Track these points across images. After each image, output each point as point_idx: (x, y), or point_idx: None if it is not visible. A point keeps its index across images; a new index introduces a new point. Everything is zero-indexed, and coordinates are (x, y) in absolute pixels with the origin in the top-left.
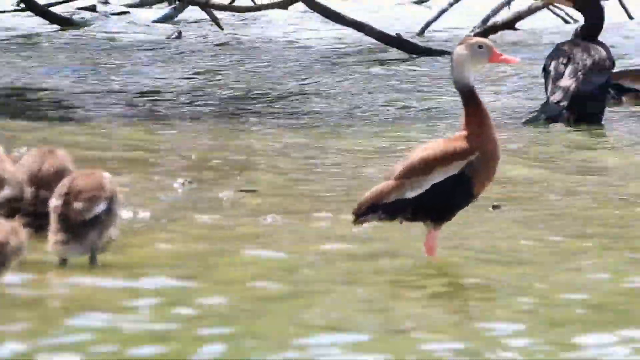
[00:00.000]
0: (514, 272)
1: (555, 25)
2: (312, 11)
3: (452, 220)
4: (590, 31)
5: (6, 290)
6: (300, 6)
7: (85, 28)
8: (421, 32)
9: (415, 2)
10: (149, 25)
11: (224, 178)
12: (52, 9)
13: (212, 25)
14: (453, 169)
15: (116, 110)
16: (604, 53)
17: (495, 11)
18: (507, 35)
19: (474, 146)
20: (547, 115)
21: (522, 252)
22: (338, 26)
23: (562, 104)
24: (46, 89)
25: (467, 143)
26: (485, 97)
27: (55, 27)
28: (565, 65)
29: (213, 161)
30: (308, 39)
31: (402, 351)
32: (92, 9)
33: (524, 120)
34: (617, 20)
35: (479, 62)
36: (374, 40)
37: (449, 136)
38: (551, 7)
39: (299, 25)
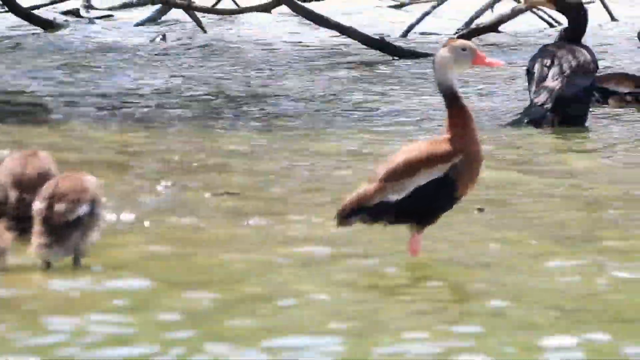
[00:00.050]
0: (483, 274)
1: (539, 28)
2: (295, 14)
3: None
4: (574, 34)
5: None
6: (283, 9)
7: (68, 31)
8: (404, 35)
9: (392, 7)
10: (132, 29)
11: (206, 181)
12: (36, 12)
13: (196, 27)
14: (437, 172)
15: (95, 113)
16: (587, 55)
17: (479, 14)
18: (490, 37)
19: (457, 148)
20: (531, 117)
21: (493, 254)
22: (321, 29)
23: (545, 106)
24: (24, 92)
25: (450, 145)
26: (468, 99)
27: (38, 29)
28: (549, 67)
29: (194, 164)
30: (290, 41)
31: (373, 353)
32: (76, 13)
33: (506, 122)
34: (599, 23)
35: (462, 64)
36: (355, 43)
37: (430, 138)
38: (534, 9)
39: (282, 28)
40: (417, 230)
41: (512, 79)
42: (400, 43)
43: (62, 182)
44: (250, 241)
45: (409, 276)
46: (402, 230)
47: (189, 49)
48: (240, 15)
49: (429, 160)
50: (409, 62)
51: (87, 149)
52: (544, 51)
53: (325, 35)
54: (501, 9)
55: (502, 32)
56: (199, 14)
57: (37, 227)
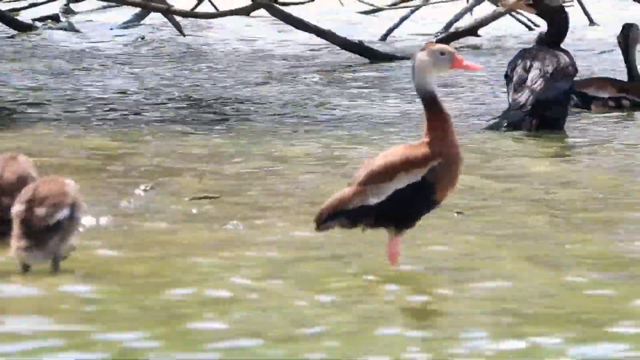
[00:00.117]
0: (443, 277)
1: (518, 32)
2: (274, 17)
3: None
4: (554, 37)
5: None
6: (262, 12)
7: (45, 35)
8: (383, 39)
9: (362, 12)
10: (110, 33)
11: (185, 184)
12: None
13: (175, 31)
14: (415, 175)
15: (70, 117)
16: (566, 59)
17: (458, 17)
18: (469, 41)
19: (436, 152)
20: (509, 121)
21: (450, 258)
22: (299, 33)
23: (524, 110)
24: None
25: (429, 149)
26: (446, 103)
27: (14, 32)
28: (528, 71)
29: (172, 167)
30: (267, 45)
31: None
32: (55, 18)
33: (485, 126)
34: (578, 27)
35: (440, 68)
36: (331, 47)
37: (410, 142)
38: (513, 13)
39: (260, 32)
40: (395, 234)
41: (491, 83)
42: (379, 47)
43: (42, 186)
44: (223, 244)
45: (377, 280)
46: (375, 233)
47: (167, 53)
48: (220, 18)
49: (408, 164)
50: (384, 66)
51: (61, 154)
52: (523, 55)
53: (303, 39)
54: (480, 12)
55: (482, 35)
56: (178, 18)
57: (16, 230)
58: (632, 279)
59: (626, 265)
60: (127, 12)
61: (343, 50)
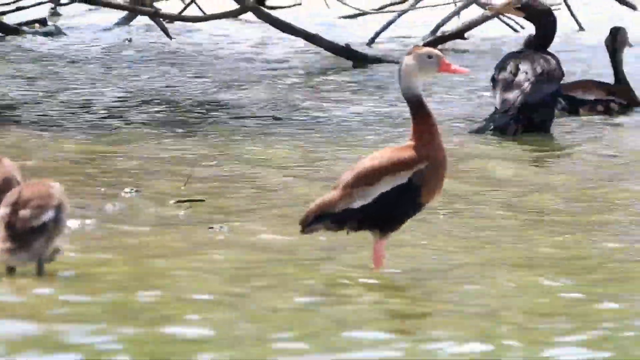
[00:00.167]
0: (411, 280)
1: (505, 35)
2: (261, 21)
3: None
4: (541, 41)
5: None
6: (250, 16)
7: (31, 38)
8: (370, 42)
9: (345, 17)
10: (97, 35)
11: (167, 187)
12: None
13: (163, 34)
14: (401, 178)
15: (54, 121)
16: (553, 63)
17: (445, 21)
18: (457, 44)
19: (422, 155)
20: (496, 124)
21: (423, 260)
22: (286, 36)
23: (510, 113)
24: None
25: (415, 152)
26: (433, 106)
27: (1, 35)
28: (514, 74)
29: (154, 170)
30: (254, 48)
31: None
32: (43, 21)
33: (471, 129)
34: (566, 31)
35: (427, 72)
36: (317, 50)
37: (397, 145)
38: (501, 16)
39: (247, 35)
40: (380, 237)
41: (478, 86)
42: (364, 50)
43: (27, 188)
44: (205, 246)
45: (353, 283)
46: (356, 235)
47: (152, 55)
48: (207, 22)
49: (393, 167)
50: (366, 69)
51: (42, 156)
52: (509, 59)
53: (289, 42)
54: (468, 16)
55: (469, 39)
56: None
57: (1, 232)
58: (601, 281)
59: (594, 268)
60: (115, 15)
61: (327, 53)
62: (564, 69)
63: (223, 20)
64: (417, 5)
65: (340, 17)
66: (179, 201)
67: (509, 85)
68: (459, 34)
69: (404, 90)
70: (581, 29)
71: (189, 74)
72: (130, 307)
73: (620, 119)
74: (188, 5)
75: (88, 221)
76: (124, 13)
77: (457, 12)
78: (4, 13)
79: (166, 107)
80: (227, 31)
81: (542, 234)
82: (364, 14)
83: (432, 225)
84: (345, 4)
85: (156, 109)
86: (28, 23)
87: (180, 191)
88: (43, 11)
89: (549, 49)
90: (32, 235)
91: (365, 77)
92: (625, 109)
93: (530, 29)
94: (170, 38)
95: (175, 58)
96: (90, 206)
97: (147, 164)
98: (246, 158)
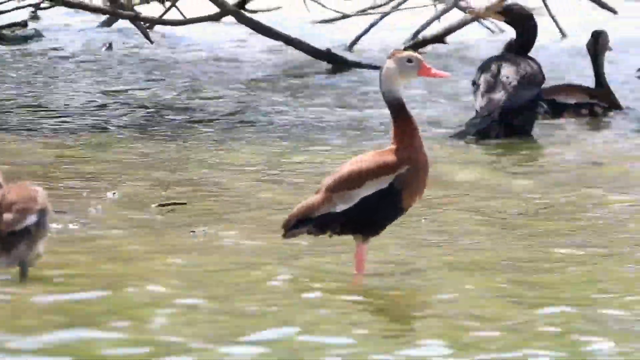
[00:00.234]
0: (372, 284)
1: (486, 39)
2: (242, 24)
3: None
4: (523, 45)
5: None
6: (231, 19)
7: (13, 41)
8: (350, 46)
9: (320, 22)
10: (77, 38)
11: (148, 191)
12: None
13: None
14: (383, 182)
15: (33, 124)
16: (534, 67)
17: (426, 25)
18: (437, 48)
19: (404, 159)
20: (477, 128)
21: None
22: (265, 40)
23: (491, 117)
24: None
25: (396, 156)
26: (413, 111)
27: None
28: (495, 78)
29: (134, 174)
30: (232, 52)
31: None
32: (24, 24)
33: (452, 134)
34: (547, 35)
35: (408, 75)
36: (298, 55)
37: (379, 149)
38: (482, 20)
39: (227, 39)
40: (362, 241)
41: (459, 90)
42: (342, 53)
43: (11, 192)
44: (184, 250)
45: (321, 289)
46: (329, 241)
47: (131, 59)
48: (188, 25)
49: (375, 171)
50: (346, 75)
51: (24, 161)
52: (490, 63)
53: (268, 46)
54: (448, 20)
55: (449, 42)
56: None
57: None
58: (556, 285)
59: (549, 271)
60: (95, 18)
61: (305, 56)
62: (545, 72)
63: (203, 24)
64: (399, 8)
65: (316, 22)
66: (160, 204)
67: (490, 89)
68: (440, 37)
69: (385, 93)
70: (564, 36)
71: (168, 79)
72: (107, 308)
73: (603, 123)
74: (169, 9)
75: (71, 225)
76: (104, 17)
77: (437, 17)
78: None
79: (145, 112)
80: (206, 35)
81: (502, 238)
82: (345, 16)
83: (395, 228)
84: (324, 6)
85: (134, 114)
86: (8, 26)
87: (159, 195)
88: (23, 14)
89: (530, 53)
90: (14, 239)
91: (337, 81)
92: (606, 112)
93: (510, 33)
94: (151, 42)
95: (155, 62)
96: (74, 210)
97: (125, 169)
98: (212, 162)
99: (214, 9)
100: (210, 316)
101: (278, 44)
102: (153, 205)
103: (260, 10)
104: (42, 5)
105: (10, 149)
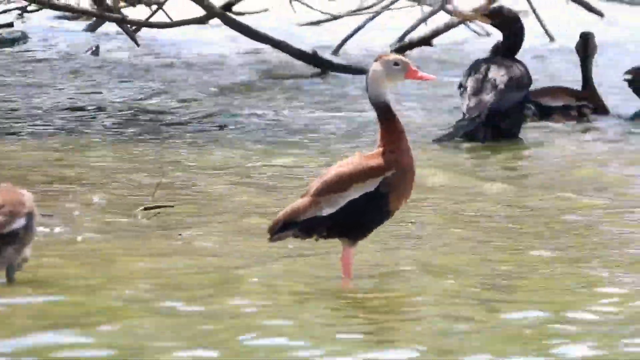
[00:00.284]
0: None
1: (472, 42)
2: (228, 27)
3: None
4: (509, 48)
5: None
6: (217, 21)
7: (1, 44)
8: (336, 51)
9: (305, 24)
10: (64, 41)
11: (132, 194)
12: None
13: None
14: (369, 185)
15: (16, 128)
16: (521, 69)
17: (413, 28)
18: (424, 51)
19: (390, 162)
20: (464, 130)
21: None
22: (250, 43)
23: (478, 120)
24: None
25: (383, 159)
26: (400, 113)
27: None
28: (482, 81)
29: (119, 178)
30: (217, 55)
31: None
32: (10, 25)
33: (439, 136)
34: (533, 38)
35: (394, 78)
36: (284, 58)
37: (366, 152)
38: (468, 23)
39: (213, 41)
40: (349, 244)
41: (445, 93)
42: (332, 57)
43: None
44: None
45: (299, 292)
46: (303, 246)
47: (117, 63)
48: (173, 28)
49: (361, 174)
50: (327, 77)
51: (10, 165)
52: (477, 65)
53: (253, 48)
54: (435, 23)
55: (436, 45)
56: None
57: None
58: (522, 288)
59: (524, 274)
60: (82, 21)
61: (289, 60)
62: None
63: (189, 26)
64: (390, 8)
65: (301, 25)
66: (147, 208)
67: (477, 91)
68: (427, 40)
69: (372, 96)
70: (552, 39)
71: (150, 82)
72: (86, 310)
73: (589, 126)
74: (155, 12)
75: (58, 229)
76: (91, 19)
77: (424, 19)
78: None
79: (128, 115)
80: (193, 37)
81: (479, 242)
82: (333, 18)
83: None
84: (311, 7)
85: (115, 117)
86: None
87: (142, 198)
88: (9, 17)
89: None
90: (3, 243)
91: (318, 83)
92: (594, 115)
93: (497, 35)
94: (138, 45)
95: (139, 65)
96: (60, 214)
97: (105, 171)
98: (189, 165)
99: (200, 12)
100: (189, 319)
101: (264, 45)
102: (139, 209)
103: (247, 13)
104: (28, 8)
105: None
